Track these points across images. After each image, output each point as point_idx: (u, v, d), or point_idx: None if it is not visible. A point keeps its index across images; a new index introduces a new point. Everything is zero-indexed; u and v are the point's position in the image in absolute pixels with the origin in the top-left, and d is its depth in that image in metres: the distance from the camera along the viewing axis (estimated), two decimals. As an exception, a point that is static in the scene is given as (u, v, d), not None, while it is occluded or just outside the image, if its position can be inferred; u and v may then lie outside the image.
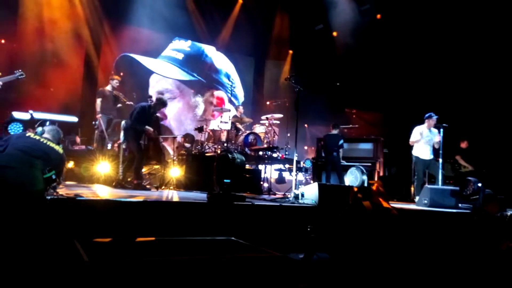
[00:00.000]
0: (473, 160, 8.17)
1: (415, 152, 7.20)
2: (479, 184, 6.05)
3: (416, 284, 3.29)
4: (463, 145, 8.41)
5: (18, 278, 2.37)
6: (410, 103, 9.73)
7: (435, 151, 7.11)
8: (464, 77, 9.21)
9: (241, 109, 9.48)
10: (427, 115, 7.16)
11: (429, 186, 6.54)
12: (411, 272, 3.40)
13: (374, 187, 3.72)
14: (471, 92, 9.05)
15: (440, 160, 6.91)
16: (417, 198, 6.68)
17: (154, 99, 6.95)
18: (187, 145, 9.02)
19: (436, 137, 7.03)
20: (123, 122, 6.59)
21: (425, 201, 6.20)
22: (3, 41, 8.27)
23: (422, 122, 7.21)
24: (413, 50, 9.97)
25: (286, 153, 8.38)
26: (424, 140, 7.08)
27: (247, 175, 6.90)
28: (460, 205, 6.27)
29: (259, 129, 8.60)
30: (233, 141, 8.09)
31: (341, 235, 3.49)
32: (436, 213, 5.49)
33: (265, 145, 8.03)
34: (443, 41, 9.51)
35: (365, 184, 7.65)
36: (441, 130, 6.92)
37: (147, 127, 6.16)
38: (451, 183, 7.90)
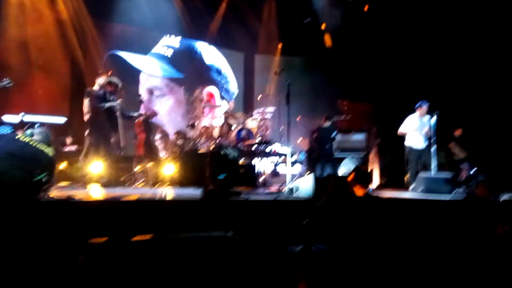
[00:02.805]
0: (467, 147, 8.21)
1: (408, 142, 7.20)
2: (473, 170, 6.10)
3: (414, 272, 3.31)
4: (457, 132, 8.45)
5: (14, 282, 2.33)
6: (402, 92, 9.75)
7: (428, 139, 7.12)
8: (457, 63, 9.24)
9: (231, 104, 9.42)
10: (418, 103, 7.15)
11: (422, 174, 6.57)
12: (408, 261, 3.42)
13: (349, 178, 3.75)
14: (465, 78, 9.08)
15: (433, 148, 6.92)
16: (411, 187, 6.70)
17: (143, 97, 6.87)
18: (180, 142, 8.95)
19: (426, 128, 7.00)
20: None
21: (419, 189, 6.23)
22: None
23: (414, 111, 7.20)
24: (403, 39, 9.98)
25: (281, 145, 8.37)
26: (417, 129, 7.07)
27: (241, 170, 6.87)
28: (454, 192, 6.30)
29: (251, 123, 8.56)
30: (225, 137, 8.04)
31: (332, 225, 3.49)
32: (430, 201, 5.52)
33: (258, 140, 8.00)
34: (433, 28, 9.52)
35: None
36: (434, 117, 6.91)
37: None
38: (445, 170, 7.95)
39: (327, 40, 12.35)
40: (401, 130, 7.17)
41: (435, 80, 9.42)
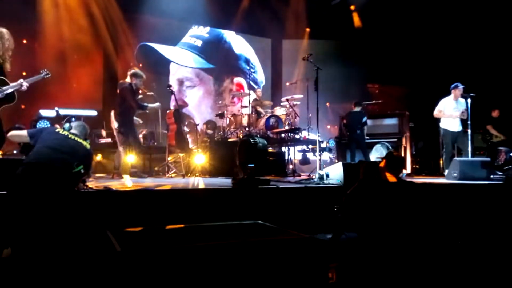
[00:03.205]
0: (505, 129, 7.86)
1: (443, 124, 7.00)
2: (512, 153, 5.84)
3: (448, 259, 3.24)
4: (494, 114, 8.10)
5: (54, 270, 2.48)
6: (435, 74, 9.41)
7: (463, 122, 6.88)
8: (492, 43, 8.80)
9: (259, 92, 9.41)
10: (452, 85, 6.91)
11: (458, 158, 6.36)
12: (442, 248, 3.35)
13: (381, 164, 3.66)
14: (501, 59, 8.65)
15: (469, 131, 6.68)
16: (446, 172, 6.51)
17: (174, 87, 6.95)
18: (209, 131, 9.07)
19: (458, 110, 6.79)
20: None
21: (455, 174, 6.04)
22: (24, 41, 8.46)
23: (449, 94, 6.97)
24: (437, 19, 9.57)
25: (308, 134, 8.31)
26: (451, 112, 6.86)
27: (271, 158, 6.90)
28: (492, 176, 6.07)
29: (279, 111, 8.54)
30: (254, 125, 8.07)
31: (364, 213, 3.45)
32: (467, 186, 5.35)
33: (287, 127, 7.98)
34: (466, 7, 9.08)
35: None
36: (469, 99, 6.67)
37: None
38: (481, 154, 7.66)
39: (357, 21, 12.02)
40: (437, 112, 6.97)
41: (470, 61, 9.01)
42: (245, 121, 8.16)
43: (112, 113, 6.31)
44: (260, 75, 12.53)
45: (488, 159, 6.18)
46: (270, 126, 8.02)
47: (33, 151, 3.27)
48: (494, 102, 8.13)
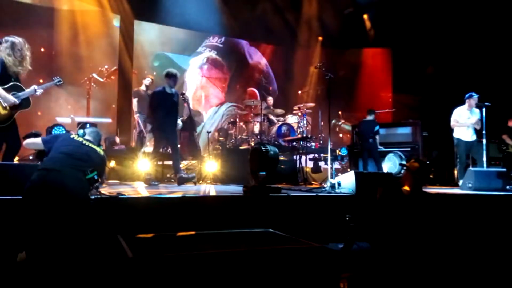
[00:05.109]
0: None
1: (457, 134, 6.92)
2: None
3: (463, 273, 3.17)
4: (511, 123, 7.96)
5: (67, 275, 2.50)
6: (449, 82, 9.31)
7: (477, 132, 6.78)
8: (507, 52, 8.68)
9: (270, 100, 9.43)
10: (467, 95, 6.84)
11: (473, 168, 6.25)
12: (457, 261, 3.28)
13: (412, 166, 3.59)
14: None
15: (484, 141, 6.58)
16: (460, 182, 6.41)
17: (187, 96, 7.01)
18: (221, 139, 9.11)
19: (473, 118, 6.71)
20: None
21: (470, 185, 5.94)
22: (42, 49, 8.67)
23: (463, 103, 6.89)
24: (451, 27, 9.50)
25: (320, 142, 8.29)
26: (465, 121, 6.78)
27: (282, 166, 6.88)
28: (507, 187, 5.95)
29: (291, 119, 8.54)
30: (266, 133, 8.08)
31: (381, 223, 3.42)
32: (482, 197, 5.25)
33: (299, 135, 7.97)
34: (483, 15, 8.99)
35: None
36: (484, 109, 6.59)
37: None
38: (497, 164, 7.51)
39: (369, 30, 12.00)
40: (453, 122, 6.89)
41: (484, 70, 8.89)
42: (256, 129, 8.17)
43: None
44: (273, 83, 12.58)
45: (504, 169, 6.06)
46: (281, 134, 8.02)
47: (48, 157, 3.33)
48: (510, 111, 7.99)
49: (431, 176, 7.69)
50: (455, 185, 7.08)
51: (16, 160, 4.78)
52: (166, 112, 5.79)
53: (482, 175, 5.98)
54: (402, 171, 3.72)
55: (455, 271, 3.17)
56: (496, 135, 7.92)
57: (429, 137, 8.82)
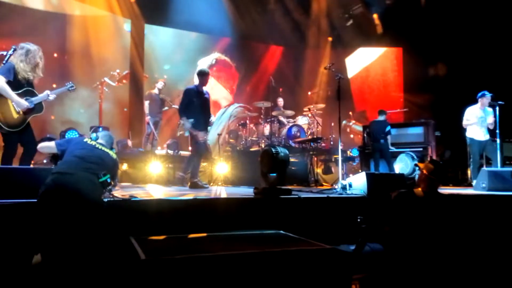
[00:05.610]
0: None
1: (469, 133, 6.82)
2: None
3: (477, 275, 3.13)
4: (525, 122, 7.82)
5: (81, 276, 2.54)
6: (462, 81, 9.18)
7: (491, 131, 6.69)
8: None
9: (280, 102, 9.42)
10: (479, 94, 6.74)
11: (486, 168, 6.16)
12: (471, 262, 3.24)
13: (425, 171, 3.55)
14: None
15: (498, 140, 6.48)
16: (474, 182, 6.32)
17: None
18: (232, 141, 9.14)
19: (490, 117, 6.61)
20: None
21: (483, 185, 5.85)
22: (55, 54, 8.81)
23: (475, 102, 6.80)
24: (463, 24, 9.38)
25: (331, 143, 8.25)
26: (478, 121, 6.69)
27: (293, 168, 6.87)
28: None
29: (302, 120, 8.53)
30: (276, 135, 8.08)
31: (394, 225, 3.39)
32: (496, 197, 5.17)
33: (309, 137, 7.95)
34: (496, 13, 8.86)
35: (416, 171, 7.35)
36: (497, 108, 6.48)
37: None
38: (511, 164, 7.39)
39: (379, 29, 11.92)
40: (466, 122, 6.80)
41: (497, 69, 8.75)
42: (267, 130, 8.18)
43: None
44: (282, 86, 12.59)
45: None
46: (292, 135, 8.02)
47: (61, 160, 3.38)
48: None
49: (449, 175, 7.59)
50: (469, 185, 6.99)
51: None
52: (199, 110, 5.78)
53: (496, 175, 5.88)
54: (416, 172, 3.69)
55: (469, 273, 3.13)
56: (510, 134, 7.79)
57: (442, 137, 8.71)
